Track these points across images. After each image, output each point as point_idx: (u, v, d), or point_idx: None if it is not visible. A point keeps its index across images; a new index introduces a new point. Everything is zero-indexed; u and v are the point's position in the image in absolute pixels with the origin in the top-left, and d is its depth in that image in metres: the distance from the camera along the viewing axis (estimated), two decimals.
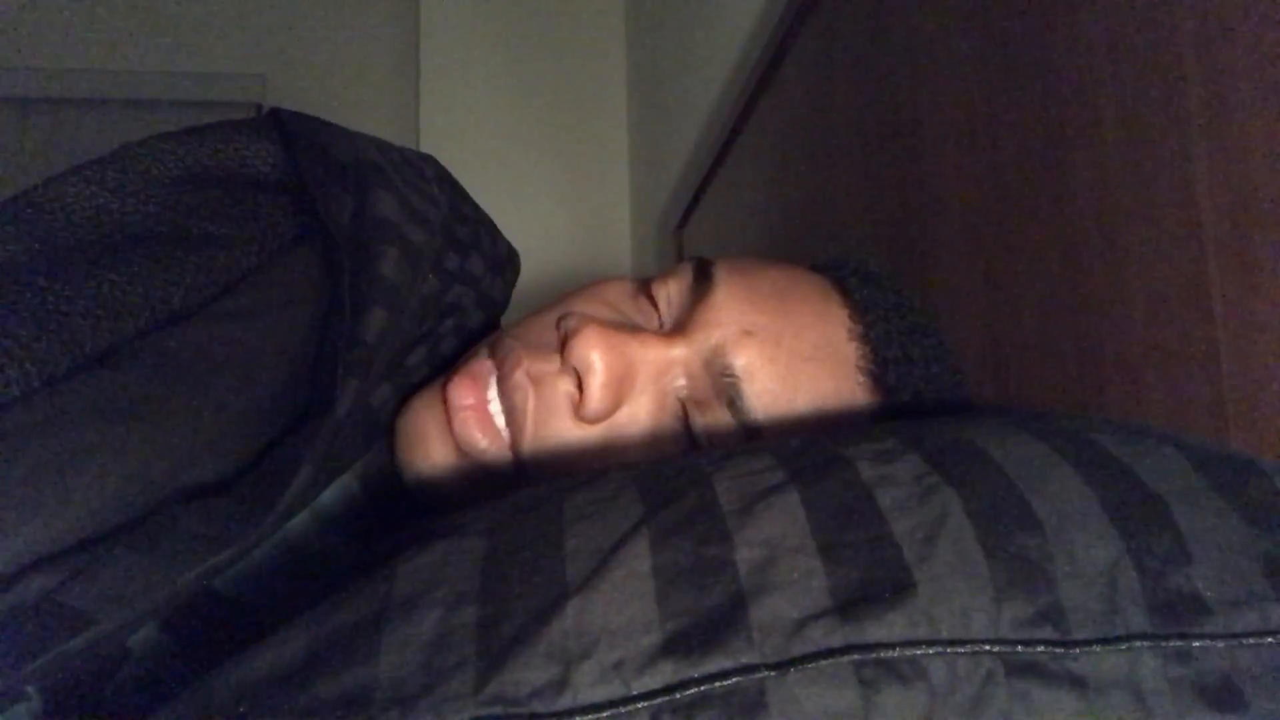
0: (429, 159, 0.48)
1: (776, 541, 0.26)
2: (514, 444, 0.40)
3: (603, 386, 0.39)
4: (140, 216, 0.39)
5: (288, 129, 0.43)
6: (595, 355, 0.38)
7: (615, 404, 0.40)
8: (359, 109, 2.15)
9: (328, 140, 0.42)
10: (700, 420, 0.40)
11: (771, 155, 1.07)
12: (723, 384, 0.39)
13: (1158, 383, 0.45)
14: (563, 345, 0.40)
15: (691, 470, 0.30)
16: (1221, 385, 0.41)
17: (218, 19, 2.17)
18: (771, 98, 1.07)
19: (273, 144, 0.43)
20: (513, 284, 0.53)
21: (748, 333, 0.40)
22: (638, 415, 0.40)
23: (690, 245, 1.55)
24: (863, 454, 0.30)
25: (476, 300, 0.47)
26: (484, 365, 0.41)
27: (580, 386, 0.39)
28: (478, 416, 0.40)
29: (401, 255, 0.39)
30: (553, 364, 0.40)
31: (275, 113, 0.45)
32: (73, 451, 0.31)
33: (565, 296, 0.45)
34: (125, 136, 0.43)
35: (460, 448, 0.40)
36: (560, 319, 0.42)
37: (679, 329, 0.41)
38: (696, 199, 1.45)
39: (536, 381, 0.40)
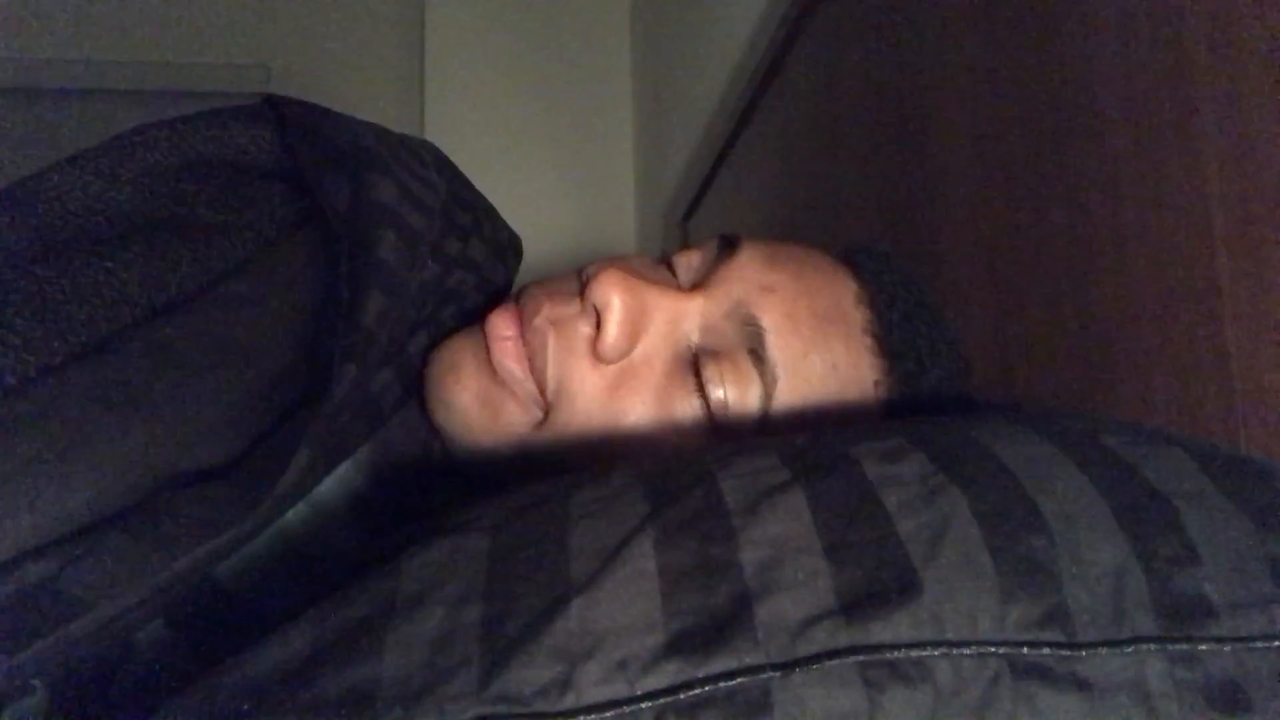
0: (428, 145, 0.49)
1: (782, 541, 0.26)
2: (538, 386, 0.41)
3: (619, 324, 0.40)
4: (136, 204, 0.39)
5: (284, 115, 0.43)
6: (614, 294, 0.40)
7: (630, 343, 0.41)
8: (364, 100, 2.14)
9: (324, 126, 0.42)
10: (713, 372, 0.41)
11: (778, 147, 1.07)
12: (745, 333, 0.41)
13: (1167, 382, 0.44)
14: (583, 290, 0.42)
15: (696, 468, 0.30)
16: (1231, 385, 0.40)
17: (222, 9, 2.16)
18: (778, 90, 1.06)
19: (269, 130, 0.44)
20: (515, 268, 0.54)
21: (769, 289, 0.42)
22: (651, 360, 0.41)
23: (696, 236, 1.54)
24: (869, 453, 0.30)
25: (478, 285, 0.47)
26: (515, 310, 0.43)
27: (599, 327, 0.40)
28: (515, 347, 0.41)
29: (399, 239, 0.39)
30: (573, 308, 0.42)
31: (271, 99, 0.44)
32: (71, 440, 0.31)
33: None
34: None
35: (497, 375, 0.41)
36: (582, 269, 0.44)
37: (698, 286, 0.43)
38: (702, 190, 1.45)
39: (556, 324, 0.42)
